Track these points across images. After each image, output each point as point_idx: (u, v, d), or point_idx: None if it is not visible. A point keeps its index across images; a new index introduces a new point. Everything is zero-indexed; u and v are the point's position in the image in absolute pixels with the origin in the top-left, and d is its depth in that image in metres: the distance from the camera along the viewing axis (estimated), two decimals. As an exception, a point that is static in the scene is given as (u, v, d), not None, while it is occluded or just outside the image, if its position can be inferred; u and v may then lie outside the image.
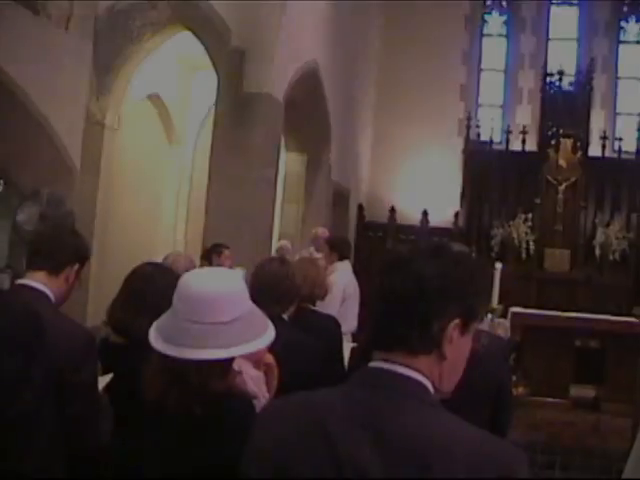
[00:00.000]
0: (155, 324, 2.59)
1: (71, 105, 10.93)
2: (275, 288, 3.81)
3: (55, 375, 3.15)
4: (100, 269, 11.96)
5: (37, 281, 3.38)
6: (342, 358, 5.06)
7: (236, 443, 2.12)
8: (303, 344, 3.83)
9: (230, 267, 8.82)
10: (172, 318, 2.51)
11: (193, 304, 2.44)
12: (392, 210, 19.37)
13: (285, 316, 3.99)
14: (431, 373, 1.89)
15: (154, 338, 2.53)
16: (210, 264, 8.53)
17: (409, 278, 1.86)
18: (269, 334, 2.62)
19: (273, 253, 12.53)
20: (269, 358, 2.77)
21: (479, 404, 3.64)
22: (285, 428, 1.91)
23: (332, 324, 5.31)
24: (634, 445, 6.63)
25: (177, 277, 4.31)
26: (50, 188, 10.56)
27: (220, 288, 2.47)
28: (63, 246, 3.44)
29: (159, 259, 14.62)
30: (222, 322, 2.44)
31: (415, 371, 1.86)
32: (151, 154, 15.55)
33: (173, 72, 15.51)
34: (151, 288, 3.80)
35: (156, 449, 2.58)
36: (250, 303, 2.60)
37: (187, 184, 16.37)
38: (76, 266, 3.52)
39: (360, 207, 19.46)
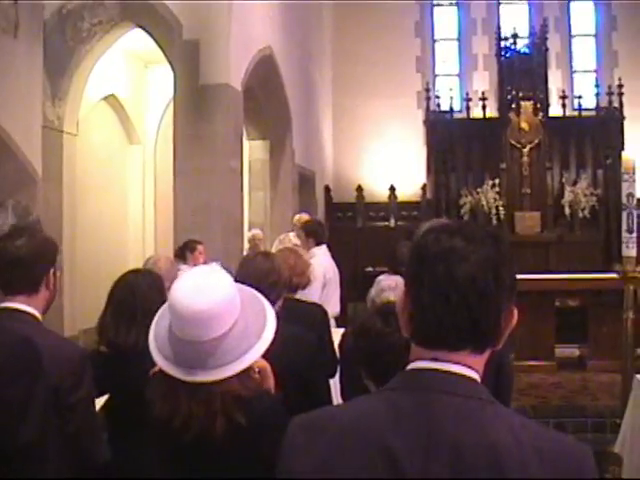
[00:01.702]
0: (154, 343, 2.52)
1: (27, 113, 10.77)
2: (262, 283, 3.74)
3: (53, 395, 3.09)
4: (72, 275, 11.85)
5: (20, 303, 3.29)
6: (333, 345, 5.00)
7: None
8: (296, 338, 3.77)
9: (205, 262, 8.75)
10: (173, 337, 2.44)
11: (192, 324, 2.37)
12: (359, 189, 19.34)
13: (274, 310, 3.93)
14: (480, 367, 1.75)
15: (161, 360, 2.46)
16: (184, 261, 8.45)
17: (483, 267, 1.70)
18: (271, 321, 2.59)
19: (245, 243, 12.48)
20: (262, 363, 2.69)
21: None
22: (331, 447, 1.68)
23: (319, 312, 5.26)
24: (628, 404, 6.65)
25: (160, 279, 4.28)
26: (14, 198, 10.43)
27: (215, 301, 2.39)
28: (34, 266, 3.34)
29: (131, 261, 14.58)
30: (226, 332, 2.39)
31: (469, 368, 1.70)
32: (113, 155, 15.41)
33: (126, 70, 15.35)
34: (139, 298, 3.78)
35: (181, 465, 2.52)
36: (239, 298, 2.53)
37: (151, 182, 16.24)
38: (51, 270, 3.43)
39: (327, 188, 19.41)
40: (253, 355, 2.44)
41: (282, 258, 4.60)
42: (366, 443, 1.65)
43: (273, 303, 3.96)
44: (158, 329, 2.55)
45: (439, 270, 1.70)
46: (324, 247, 8.65)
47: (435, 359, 1.70)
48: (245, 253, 12.12)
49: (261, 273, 3.90)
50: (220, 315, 2.38)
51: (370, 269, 17.84)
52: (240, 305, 2.49)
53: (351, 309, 13.36)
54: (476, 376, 1.71)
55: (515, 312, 1.75)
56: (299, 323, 4.14)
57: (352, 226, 19.06)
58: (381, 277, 4.81)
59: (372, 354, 2.96)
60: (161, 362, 2.46)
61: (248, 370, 2.48)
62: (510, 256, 1.77)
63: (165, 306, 2.55)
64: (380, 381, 2.90)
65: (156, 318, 2.61)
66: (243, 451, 2.45)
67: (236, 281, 3.88)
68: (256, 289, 3.57)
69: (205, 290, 2.40)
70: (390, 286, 4.57)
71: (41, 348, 3.02)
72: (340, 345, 4.65)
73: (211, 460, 2.46)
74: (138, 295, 3.87)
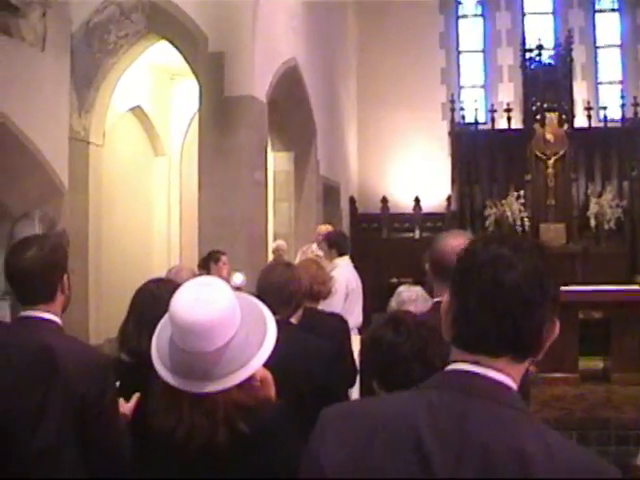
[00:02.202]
0: (156, 354, 2.54)
1: (54, 125, 10.90)
2: (281, 292, 3.78)
3: (76, 404, 3.12)
4: (97, 285, 11.90)
5: (39, 311, 3.33)
6: (352, 354, 5.03)
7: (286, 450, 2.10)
8: (315, 347, 3.80)
9: (228, 273, 8.80)
10: (174, 348, 2.46)
11: (193, 335, 2.38)
12: (384, 200, 19.35)
13: (294, 320, 3.96)
14: (518, 375, 1.78)
15: (163, 372, 2.48)
16: (208, 272, 8.49)
17: (530, 277, 1.74)
18: (272, 329, 2.57)
19: (269, 254, 12.52)
20: (263, 371, 2.69)
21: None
22: (365, 438, 1.71)
23: (338, 322, 5.30)
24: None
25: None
26: (41, 209, 10.53)
27: (216, 312, 2.38)
28: (47, 276, 3.38)
29: (156, 271, 14.66)
30: (227, 342, 2.41)
31: (507, 376, 1.74)
32: (138, 167, 15.48)
33: (152, 82, 15.44)
34: (161, 307, 3.79)
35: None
36: (239, 309, 2.54)
37: (177, 193, 16.30)
38: (65, 275, 3.47)
39: (352, 200, 19.43)
40: (255, 364, 2.45)
41: (303, 268, 4.64)
42: (400, 437, 1.68)
43: (292, 313, 4.01)
44: (160, 340, 2.57)
45: (486, 277, 1.74)
46: (347, 258, 8.65)
47: (477, 363, 1.74)
48: (269, 264, 12.16)
49: (281, 282, 3.93)
50: (221, 326, 2.39)
51: (395, 280, 17.82)
52: (240, 314, 2.51)
53: (374, 320, 13.35)
54: (513, 384, 1.74)
55: (557, 324, 1.78)
56: (319, 332, 4.17)
57: (377, 237, 19.08)
58: (401, 288, 4.82)
59: (384, 365, 2.97)
60: (163, 373, 2.48)
61: (250, 379, 2.49)
62: (554, 268, 1.80)
63: (166, 317, 2.57)
64: (392, 391, 2.94)
65: (157, 329, 2.63)
66: (247, 460, 2.46)
67: (257, 290, 3.94)
68: (276, 298, 3.61)
69: (205, 301, 2.40)
70: (410, 298, 4.58)
71: (62, 355, 3.05)
72: (360, 354, 4.68)
73: (216, 470, 2.46)
74: (160, 304, 3.88)
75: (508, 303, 1.71)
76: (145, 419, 2.75)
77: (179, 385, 2.43)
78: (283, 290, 3.85)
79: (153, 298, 3.95)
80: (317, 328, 4.26)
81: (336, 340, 4.62)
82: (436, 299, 3.64)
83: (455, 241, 3.61)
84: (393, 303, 4.69)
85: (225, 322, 2.41)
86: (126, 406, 3.59)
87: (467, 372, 1.74)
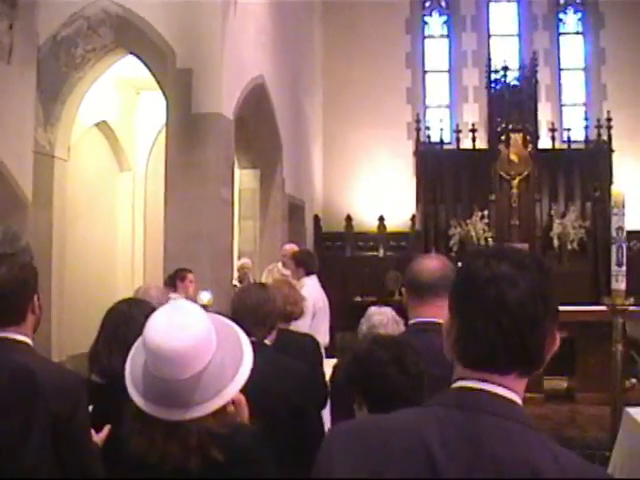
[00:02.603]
0: (130, 379, 2.49)
1: (19, 138, 10.80)
2: (256, 314, 3.75)
3: (51, 423, 3.08)
4: (60, 300, 11.78)
5: (10, 332, 3.28)
6: (324, 376, 5.01)
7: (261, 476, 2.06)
8: (288, 369, 3.77)
9: (194, 291, 8.75)
10: (148, 374, 2.40)
11: (168, 363, 2.32)
12: (348, 218, 19.39)
13: (268, 341, 3.93)
14: (522, 390, 1.78)
15: (136, 397, 2.42)
16: (175, 290, 8.44)
17: (533, 292, 1.74)
18: (248, 353, 2.52)
19: (235, 272, 12.47)
20: (237, 396, 2.65)
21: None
22: (375, 454, 1.69)
23: (310, 343, 5.28)
24: (618, 436, 6.64)
25: (153, 308, 4.27)
26: (4, 223, 10.41)
27: (191, 339, 2.32)
28: (17, 297, 3.32)
29: (120, 287, 14.54)
30: (202, 369, 2.35)
31: (513, 392, 1.75)
32: (103, 182, 15.39)
33: (117, 97, 15.36)
34: (132, 326, 3.76)
35: None
36: (215, 334, 2.49)
37: (141, 209, 16.22)
38: (35, 297, 3.42)
39: (316, 218, 19.44)
40: (231, 392, 2.40)
41: (276, 288, 4.61)
42: (411, 453, 1.67)
43: (267, 334, 3.98)
44: (133, 365, 2.51)
45: (490, 294, 1.74)
46: (314, 277, 8.61)
47: (483, 380, 1.74)
48: (234, 282, 12.11)
49: (255, 304, 3.91)
50: (196, 353, 2.33)
51: (359, 299, 17.91)
52: (216, 339, 2.46)
53: (339, 338, 13.33)
54: (519, 400, 1.75)
55: (557, 337, 1.80)
56: (291, 353, 4.15)
57: (341, 255, 19.09)
58: (372, 310, 4.79)
59: (361, 374, 3.00)
60: (137, 399, 2.43)
61: (224, 405, 2.45)
62: (553, 281, 1.81)
63: (139, 342, 2.52)
64: (374, 404, 2.95)
65: (131, 353, 2.57)
66: None
67: (232, 312, 3.90)
68: (250, 320, 3.58)
69: (180, 327, 2.34)
70: (382, 322, 4.57)
71: (39, 376, 3.01)
72: (331, 377, 4.66)
73: None
74: (131, 324, 3.85)
75: (514, 320, 1.71)
76: (117, 443, 2.71)
77: (152, 412, 2.38)
78: (258, 311, 3.82)
79: (124, 318, 3.93)
80: (290, 349, 4.24)
81: (308, 361, 4.58)
82: (411, 321, 3.62)
83: (430, 262, 3.67)
84: (364, 327, 4.66)
85: (200, 349, 2.35)
86: (98, 436, 3.54)
87: (474, 389, 1.75)
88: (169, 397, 2.35)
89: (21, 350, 3.26)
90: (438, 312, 3.39)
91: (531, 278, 1.75)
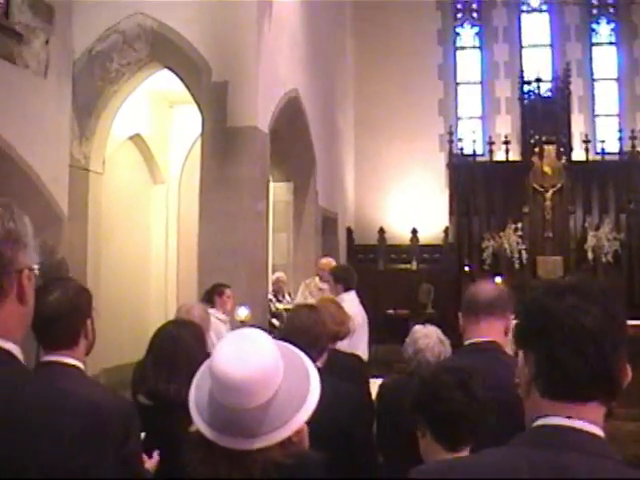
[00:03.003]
0: (194, 405, 2.44)
1: (55, 152, 10.84)
2: (307, 336, 3.71)
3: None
4: (94, 314, 11.78)
5: (62, 356, 3.25)
6: (371, 397, 4.95)
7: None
8: (341, 393, 3.72)
9: (232, 306, 8.71)
10: (214, 402, 2.35)
11: (235, 392, 2.27)
12: (381, 231, 19.33)
13: (319, 363, 3.88)
14: (602, 420, 1.80)
15: (201, 425, 2.37)
16: (212, 305, 8.39)
17: (609, 319, 1.78)
18: (315, 383, 2.47)
19: (269, 286, 12.43)
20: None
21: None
22: None
23: (357, 363, 5.24)
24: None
25: (202, 331, 4.26)
26: (40, 238, 10.43)
27: (258, 368, 2.27)
28: (71, 320, 3.30)
29: (153, 299, 14.53)
30: (269, 399, 2.30)
31: (596, 425, 1.76)
32: (137, 195, 15.43)
33: (151, 110, 15.40)
34: (180, 349, 3.75)
35: None
36: (282, 363, 2.45)
37: (174, 221, 16.23)
38: (88, 321, 3.39)
39: (349, 230, 19.40)
40: (298, 421, 2.34)
41: (324, 308, 4.57)
42: None
43: (318, 356, 3.93)
44: (199, 392, 2.46)
45: (569, 324, 1.76)
46: (353, 293, 8.49)
47: (568, 415, 1.76)
48: (269, 296, 12.06)
49: (306, 326, 3.87)
50: (264, 382, 2.28)
51: (391, 312, 17.82)
52: (283, 368, 2.41)
53: (372, 352, 13.26)
54: (602, 432, 1.77)
55: (628, 366, 1.82)
56: (338, 374, 4.10)
57: (373, 268, 19.00)
58: (417, 330, 4.73)
59: (436, 408, 2.99)
60: (201, 426, 2.37)
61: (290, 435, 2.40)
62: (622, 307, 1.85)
63: (205, 368, 2.46)
64: (438, 429, 2.92)
65: (196, 380, 2.52)
66: None
67: (284, 334, 3.85)
68: (302, 342, 3.52)
69: (248, 356, 2.29)
70: (428, 345, 4.52)
71: (103, 406, 2.97)
72: (377, 397, 4.61)
73: None
74: (180, 346, 3.86)
75: (598, 346, 1.74)
76: (170, 469, 2.65)
77: (217, 440, 2.33)
78: (309, 334, 3.78)
79: (172, 339, 3.93)
80: (336, 369, 4.18)
81: (355, 381, 4.54)
82: (467, 341, 3.69)
83: (486, 285, 3.87)
84: (409, 349, 4.60)
85: (268, 378, 2.30)
86: (149, 462, 3.51)
87: (561, 427, 1.75)
88: (235, 426, 2.30)
89: (72, 375, 3.23)
90: (492, 331, 3.59)
91: (605, 306, 1.78)
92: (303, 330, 3.79)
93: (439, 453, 2.95)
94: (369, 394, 5.04)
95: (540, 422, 1.78)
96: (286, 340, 3.00)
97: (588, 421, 1.74)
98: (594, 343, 1.74)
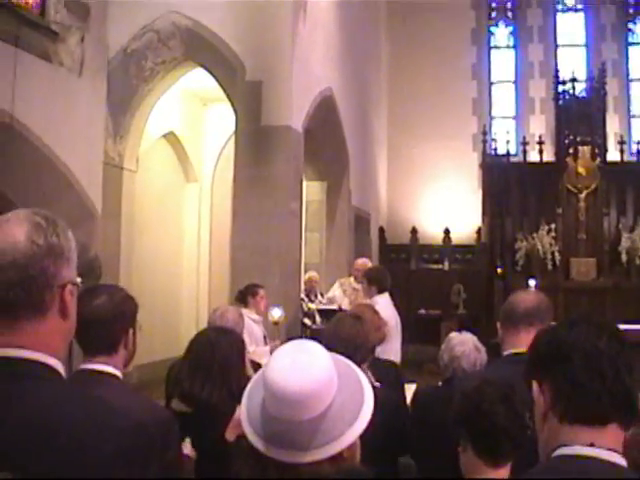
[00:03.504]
0: (246, 416, 2.42)
1: (89, 150, 10.88)
2: (347, 346, 3.69)
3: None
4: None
5: (99, 363, 3.24)
6: (406, 404, 4.93)
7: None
8: (379, 401, 3.70)
9: (266, 307, 8.69)
10: (266, 414, 2.33)
11: (288, 404, 2.25)
12: (413, 230, 19.26)
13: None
14: (621, 446, 1.86)
15: (252, 436, 2.35)
16: (246, 305, 8.38)
17: (630, 349, 1.89)
18: (369, 396, 2.44)
19: (302, 285, 12.41)
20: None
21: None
22: None
23: (395, 371, 5.23)
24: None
25: (242, 340, 4.26)
26: (74, 234, 10.48)
27: (313, 381, 2.24)
28: (113, 326, 3.29)
29: (185, 297, 14.58)
30: (323, 412, 2.27)
31: (616, 452, 1.81)
32: (170, 193, 15.48)
33: (184, 108, 15.44)
34: (217, 355, 3.76)
35: None
36: (337, 377, 2.42)
37: (207, 220, 16.26)
38: (130, 330, 3.38)
39: (381, 230, 19.37)
40: (350, 436, 2.31)
41: (361, 313, 4.55)
42: None
43: (359, 366, 3.91)
44: (250, 402, 2.44)
45: (587, 348, 1.86)
46: (386, 295, 8.43)
47: (590, 444, 1.80)
48: (302, 295, 12.05)
49: (349, 335, 3.86)
50: (317, 395, 2.25)
51: (423, 311, 17.76)
52: (338, 382, 2.38)
53: (403, 351, 13.21)
54: (622, 460, 1.82)
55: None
56: (376, 381, 4.10)
57: (405, 268, 18.94)
58: (453, 337, 4.69)
59: (479, 421, 2.98)
60: (252, 438, 2.34)
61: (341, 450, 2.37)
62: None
63: (257, 378, 2.45)
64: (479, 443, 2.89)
65: (248, 390, 2.50)
66: None
67: (324, 342, 3.82)
68: (343, 351, 3.50)
69: (302, 369, 2.25)
70: (464, 353, 4.49)
71: (148, 425, 2.95)
72: (412, 402, 4.59)
73: None
74: (217, 352, 3.88)
75: (615, 368, 1.83)
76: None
77: (267, 452, 2.30)
78: (350, 344, 3.76)
79: (210, 345, 3.96)
80: (375, 377, 4.17)
81: (391, 388, 4.52)
82: (505, 352, 3.67)
83: (526, 294, 3.86)
84: (445, 356, 4.57)
85: (322, 392, 2.27)
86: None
87: (582, 457, 1.78)
88: (286, 438, 2.27)
89: (110, 383, 3.21)
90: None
91: (612, 332, 1.91)
92: (344, 339, 3.78)
93: (480, 468, 2.92)
94: (404, 400, 5.03)
95: (563, 452, 1.83)
96: (327, 347, 2.97)
97: (608, 448, 1.79)
98: (612, 366, 1.82)
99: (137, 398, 3.30)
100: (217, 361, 3.86)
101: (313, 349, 2.35)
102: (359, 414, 2.34)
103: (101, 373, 3.21)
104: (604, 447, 1.80)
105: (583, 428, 1.82)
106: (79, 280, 1.97)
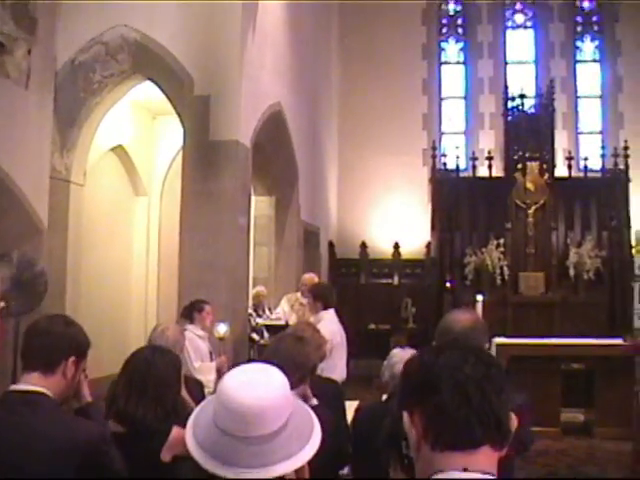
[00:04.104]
0: (191, 432, 2.39)
1: (36, 163, 10.74)
2: (287, 365, 3.68)
3: None
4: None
5: (34, 383, 3.20)
6: (347, 425, 4.91)
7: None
8: (321, 417, 3.69)
9: (212, 323, 8.65)
10: (216, 431, 2.30)
11: (241, 419, 2.24)
12: (363, 245, 19.35)
13: (295, 392, 3.86)
14: (495, 467, 1.88)
15: (198, 453, 2.33)
16: (191, 321, 8.35)
17: (498, 370, 1.92)
18: (317, 425, 2.43)
19: (250, 300, 12.38)
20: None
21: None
22: None
23: (336, 389, 5.23)
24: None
25: (179, 359, 4.24)
26: (19, 249, 10.35)
27: (269, 397, 2.25)
28: (56, 343, 3.26)
29: (134, 311, 14.46)
30: (276, 430, 2.26)
31: (491, 475, 1.84)
32: (118, 206, 15.37)
33: (133, 121, 15.34)
34: (153, 376, 3.75)
35: None
36: (293, 395, 2.42)
37: (156, 234, 16.17)
38: (72, 359, 3.33)
39: (331, 244, 19.39)
40: (301, 458, 2.31)
41: (301, 331, 4.55)
42: None
43: (295, 386, 3.89)
44: (198, 420, 2.42)
45: (453, 374, 1.88)
46: (332, 311, 8.44)
47: (465, 468, 1.82)
48: (249, 310, 12.01)
49: (291, 354, 3.88)
50: (272, 411, 2.25)
51: (373, 326, 17.82)
52: (292, 406, 2.38)
53: (353, 366, 13.22)
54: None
55: (515, 417, 2.01)
56: (316, 397, 4.10)
57: (355, 282, 19.04)
58: (395, 354, 4.70)
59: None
60: (197, 454, 2.32)
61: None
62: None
63: (210, 397, 2.44)
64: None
65: (198, 408, 2.49)
66: None
67: (263, 359, 3.82)
68: (282, 369, 3.49)
69: (258, 385, 2.27)
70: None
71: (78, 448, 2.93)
72: (353, 421, 4.58)
73: None
74: (152, 371, 3.85)
75: (481, 390, 1.85)
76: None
77: (214, 469, 2.28)
78: (289, 362, 3.75)
79: (146, 364, 3.93)
80: (315, 394, 4.16)
81: (331, 407, 4.50)
82: None
83: (462, 315, 3.87)
84: (386, 372, 4.57)
85: (277, 408, 2.27)
86: None
87: None
88: (235, 455, 2.25)
89: (39, 404, 3.18)
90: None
91: (477, 355, 1.95)
92: (286, 357, 3.78)
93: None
94: (344, 419, 5.02)
95: (441, 476, 1.84)
96: (268, 362, 2.96)
97: (483, 471, 1.82)
98: (477, 389, 1.84)
99: (63, 421, 3.25)
100: (152, 380, 3.84)
101: (270, 369, 2.38)
102: (310, 438, 2.35)
103: (32, 393, 3.17)
104: (478, 470, 1.82)
105: (455, 454, 1.84)
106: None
